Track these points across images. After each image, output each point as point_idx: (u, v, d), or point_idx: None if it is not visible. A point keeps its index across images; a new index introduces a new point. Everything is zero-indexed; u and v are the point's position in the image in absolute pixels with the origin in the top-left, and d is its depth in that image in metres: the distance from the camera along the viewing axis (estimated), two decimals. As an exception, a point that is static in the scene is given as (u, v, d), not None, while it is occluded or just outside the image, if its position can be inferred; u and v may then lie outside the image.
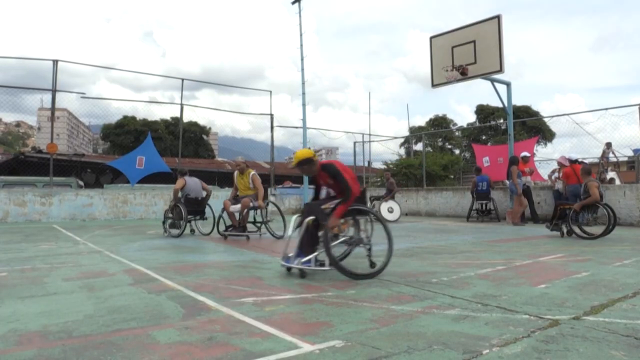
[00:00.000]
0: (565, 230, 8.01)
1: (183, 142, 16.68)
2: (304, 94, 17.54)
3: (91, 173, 28.96)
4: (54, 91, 13.57)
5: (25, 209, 12.34)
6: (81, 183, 19.68)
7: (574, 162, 11.04)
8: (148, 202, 14.03)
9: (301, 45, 17.72)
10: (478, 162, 15.16)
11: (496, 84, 12.30)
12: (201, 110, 29.37)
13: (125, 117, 45.06)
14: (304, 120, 17.54)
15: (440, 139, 41.38)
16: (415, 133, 34.26)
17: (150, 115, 42.35)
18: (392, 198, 13.29)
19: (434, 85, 12.91)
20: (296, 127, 18.42)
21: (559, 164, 11.94)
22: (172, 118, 44.08)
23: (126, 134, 44.81)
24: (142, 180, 14.49)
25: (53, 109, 13.85)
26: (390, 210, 12.90)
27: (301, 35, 17.71)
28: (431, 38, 13.07)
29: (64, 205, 12.88)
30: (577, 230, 7.94)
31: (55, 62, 13.57)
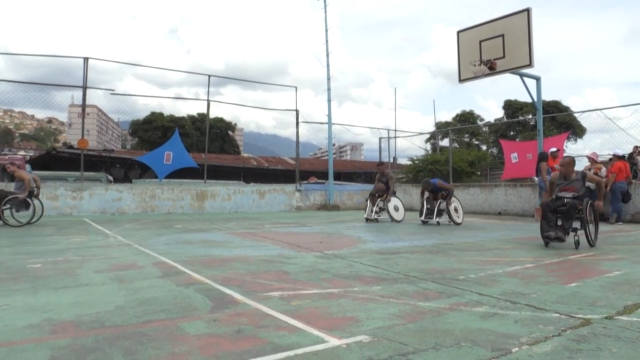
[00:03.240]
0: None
1: (209, 137, 16.85)
2: (329, 89, 17.52)
3: (120, 168, 29.53)
4: (84, 88, 13.86)
5: (57, 202, 12.67)
6: (110, 178, 20.11)
7: (620, 157, 10.81)
8: (175, 197, 14.24)
9: (326, 41, 17.70)
10: (506, 158, 14.92)
11: (525, 79, 12.06)
12: (226, 106, 29.84)
13: (152, 114, 45.75)
14: (329, 116, 17.53)
15: (467, 135, 40.80)
16: (442, 129, 33.90)
17: (176, 111, 42.93)
18: (394, 194, 11.67)
19: (461, 81, 12.73)
20: (321, 123, 18.44)
21: (590, 160, 11.66)
22: (199, 114, 44.57)
23: (154, 129, 45.46)
24: (169, 176, 14.71)
25: (84, 105, 14.16)
26: (397, 209, 11.30)
27: (326, 30, 17.68)
28: (458, 32, 12.87)
29: (94, 200, 13.17)
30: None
31: (85, 59, 13.85)
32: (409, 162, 22.04)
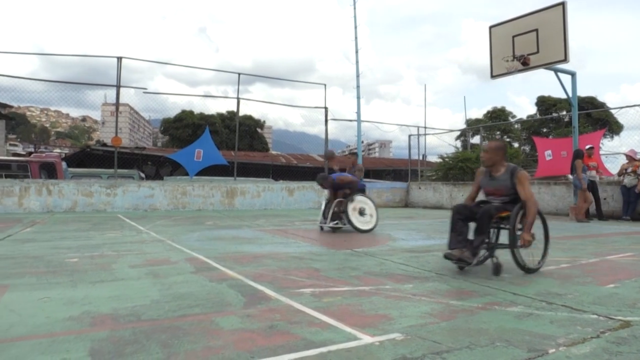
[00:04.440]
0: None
1: (238, 135, 17.02)
2: (358, 87, 17.47)
3: (152, 165, 30.14)
4: (118, 87, 14.16)
5: (92, 199, 13.01)
6: (142, 175, 20.53)
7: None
8: (206, 193, 14.44)
9: (355, 37, 17.65)
10: (539, 155, 14.59)
11: (560, 74, 11.76)
12: (254, 103, 29.95)
13: (183, 111, 46.49)
14: (358, 113, 17.48)
15: (498, 132, 40.09)
16: (473, 126, 33.38)
17: (206, 109, 43.36)
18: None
19: (493, 76, 12.51)
20: (350, 120, 18.40)
21: (628, 157, 11.31)
22: (228, 112, 45.03)
23: (184, 127, 46.19)
24: (199, 173, 14.93)
25: (117, 103, 14.48)
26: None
27: (355, 27, 17.63)
28: (490, 27, 12.65)
29: (127, 196, 13.47)
30: None
31: (119, 59, 14.15)
32: (439, 160, 21.80)
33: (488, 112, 47.00)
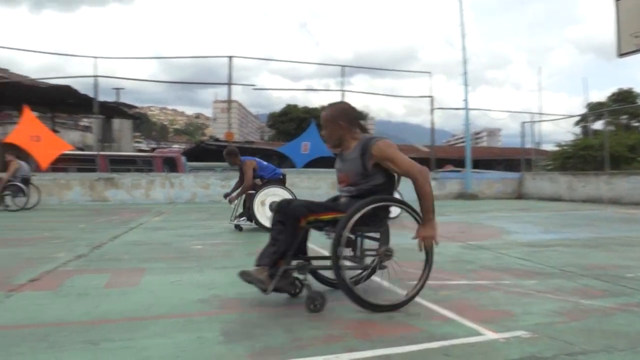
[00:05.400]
0: None
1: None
2: (465, 73, 16.80)
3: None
4: (229, 84, 14.97)
5: (209, 190, 13.91)
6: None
7: None
8: (312, 185, 14.80)
9: (461, 23, 16.97)
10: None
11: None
12: (356, 95, 29.99)
13: (288, 106, 48.02)
14: (465, 100, 16.83)
15: (625, 116, 36.37)
16: (595, 110, 30.67)
17: (309, 103, 44.51)
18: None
19: (620, 55, 11.37)
20: (457, 109, 17.78)
21: None
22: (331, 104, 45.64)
23: (289, 121, 47.65)
24: (306, 165, 15.33)
25: (229, 100, 15.32)
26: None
27: (461, 11, 16.94)
28: (617, 0, 11.50)
29: (240, 188, 14.22)
30: None
31: (230, 58, 14.93)
32: (556, 148, 20.32)
33: (613, 95, 42.82)
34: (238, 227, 6.94)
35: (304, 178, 14.73)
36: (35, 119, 13.68)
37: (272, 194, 6.52)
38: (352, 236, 2.84)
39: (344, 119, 2.98)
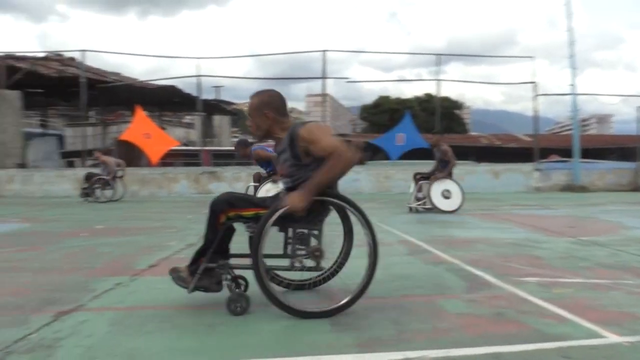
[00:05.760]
0: None
1: (436, 117, 16.77)
2: (572, 56, 15.63)
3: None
4: (324, 78, 15.17)
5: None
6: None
7: None
8: (408, 177, 14.53)
9: (567, 1, 15.77)
10: None
11: None
12: (450, 84, 29.07)
13: (380, 97, 47.66)
14: (572, 85, 15.66)
15: None
16: None
17: (401, 94, 43.82)
18: (449, 176, 8.32)
19: None
20: (562, 95, 16.62)
21: None
22: (425, 94, 44.66)
23: (381, 113, 47.26)
24: (401, 157, 15.16)
25: (324, 94, 15.56)
26: (447, 195, 8.11)
27: (569, -11, 15.74)
28: None
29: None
30: None
31: (324, 52, 15.11)
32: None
33: None
34: None
35: (400, 170, 14.58)
36: (147, 117, 14.80)
37: (275, 188, 6.16)
38: (305, 231, 2.66)
39: (271, 109, 2.70)
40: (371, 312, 2.56)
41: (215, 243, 2.58)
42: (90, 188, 11.41)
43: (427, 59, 16.54)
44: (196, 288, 2.60)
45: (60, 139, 26.05)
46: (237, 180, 13.89)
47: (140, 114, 14.22)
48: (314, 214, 2.60)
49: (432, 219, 7.26)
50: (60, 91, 19.74)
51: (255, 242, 2.45)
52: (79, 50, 15.17)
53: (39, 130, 25.52)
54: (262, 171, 7.07)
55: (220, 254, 2.62)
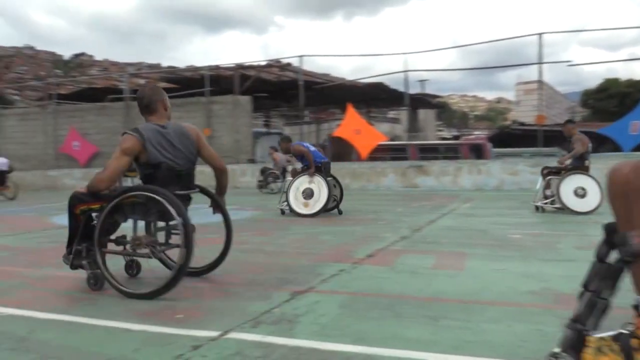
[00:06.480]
0: None
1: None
2: None
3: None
4: (540, 64, 13.93)
5: (517, 177, 13.28)
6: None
7: None
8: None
9: None
10: None
11: None
12: None
13: (607, 80, 41.81)
14: None
15: None
16: None
17: (632, 74, 37.60)
18: (586, 171, 6.99)
19: None
20: None
21: None
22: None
23: (608, 98, 41.47)
24: (636, 148, 13.07)
25: (540, 81, 14.29)
26: (581, 193, 6.70)
27: None
28: None
29: (552, 175, 13.14)
30: None
31: (540, 35, 13.86)
32: None
33: None
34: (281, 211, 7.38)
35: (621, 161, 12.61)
36: (357, 114, 15.55)
37: (311, 182, 6.99)
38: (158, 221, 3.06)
39: (139, 105, 3.15)
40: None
41: (80, 230, 3.04)
42: (264, 181, 12.70)
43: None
44: (75, 266, 3.08)
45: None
46: (445, 174, 13.68)
47: (351, 111, 15.00)
48: (144, 208, 2.93)
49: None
50: (280, 94, 22.03)
51: (97, 231, 2.94)
52: (297, 56, 16.61)
53: (264, 129, 28.84)
54: (298, 166, 7.60)
55: (85, 239, 3.02)
